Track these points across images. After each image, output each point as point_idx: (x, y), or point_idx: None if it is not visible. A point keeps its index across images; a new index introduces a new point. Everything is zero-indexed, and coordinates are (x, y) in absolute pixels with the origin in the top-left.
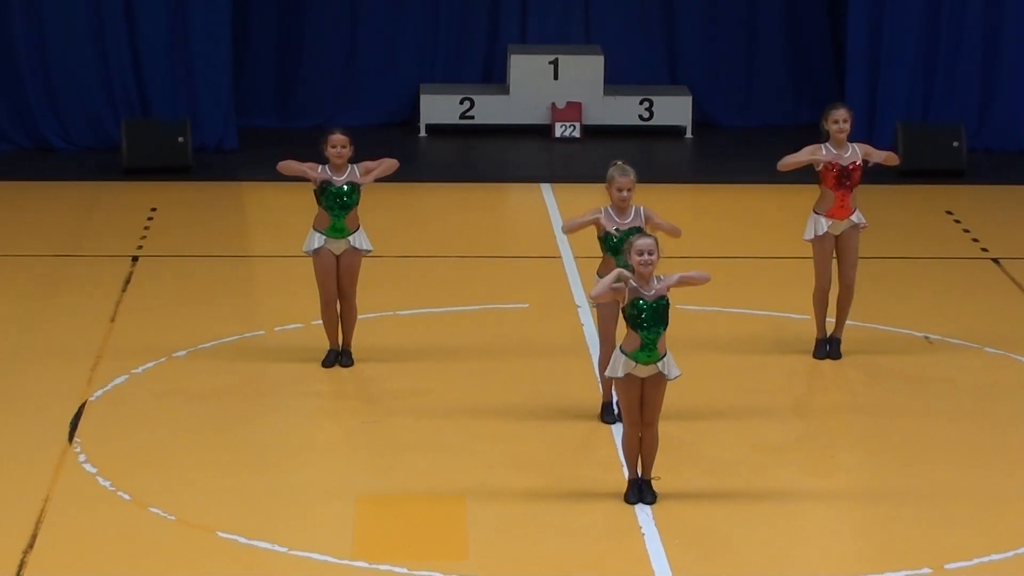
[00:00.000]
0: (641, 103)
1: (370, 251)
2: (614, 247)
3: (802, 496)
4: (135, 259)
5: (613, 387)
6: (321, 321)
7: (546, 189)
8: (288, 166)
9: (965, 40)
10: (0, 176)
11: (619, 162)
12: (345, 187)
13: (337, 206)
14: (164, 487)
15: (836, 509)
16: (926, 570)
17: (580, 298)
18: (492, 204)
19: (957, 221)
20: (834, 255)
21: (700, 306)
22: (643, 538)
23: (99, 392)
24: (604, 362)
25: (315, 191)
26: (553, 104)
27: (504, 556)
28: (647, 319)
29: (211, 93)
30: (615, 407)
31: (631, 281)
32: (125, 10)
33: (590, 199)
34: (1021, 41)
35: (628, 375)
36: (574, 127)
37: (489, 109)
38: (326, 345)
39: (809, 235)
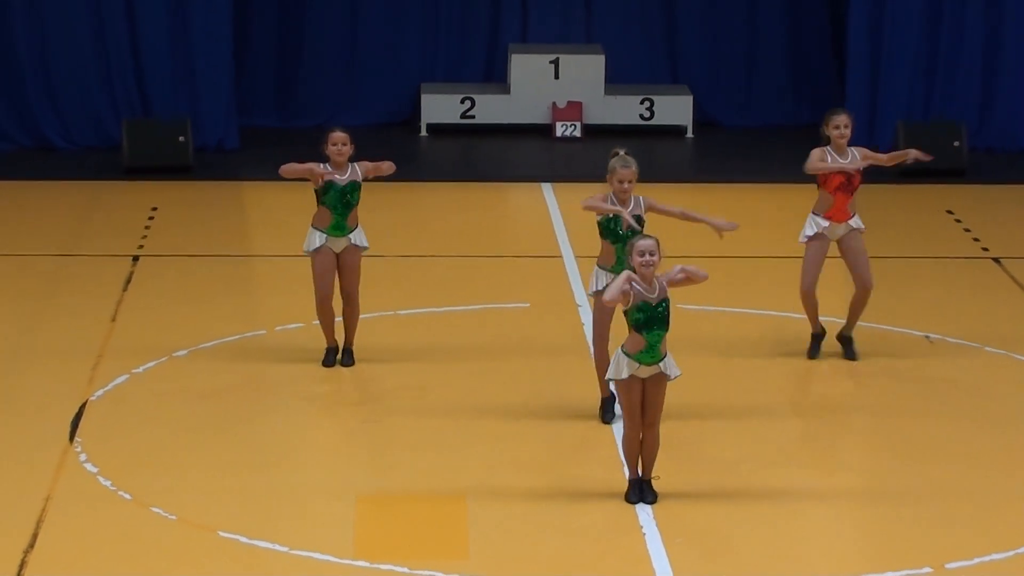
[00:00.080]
0: (642, 103)
1: (367, 248)
2: (614, 234)
3: (803, 495)
4: (136, 259)
5: (615, 388)
6: (322, 325)
7: (547, 188)
8: (290, 169)
9: (966, 39)
10: (1, 175)
11: (621, 152)
12: (348, 185)
13: (340, 204)
14: (165, 487)
15: (837, 508)
16: (927, 569)
17: (581, 297)
18: (493, 204)
19: (958, 220)
20: (823, 260)
21: (700, 306)
22: (644, 537)
23: (100, 392)
24: (601, 359)
25: (316, 190)
26: (554, 103)
27: (505, 555)
28: (651, 322)
29: (212, 93)
30: (615, 408)
31: (635, 284)
32: (126, 10)
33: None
34: (1021, 40)
35: (631, 376)
36: (575, 126)
37: (490, 108)
38: (325, 345)
39: (803, 237)
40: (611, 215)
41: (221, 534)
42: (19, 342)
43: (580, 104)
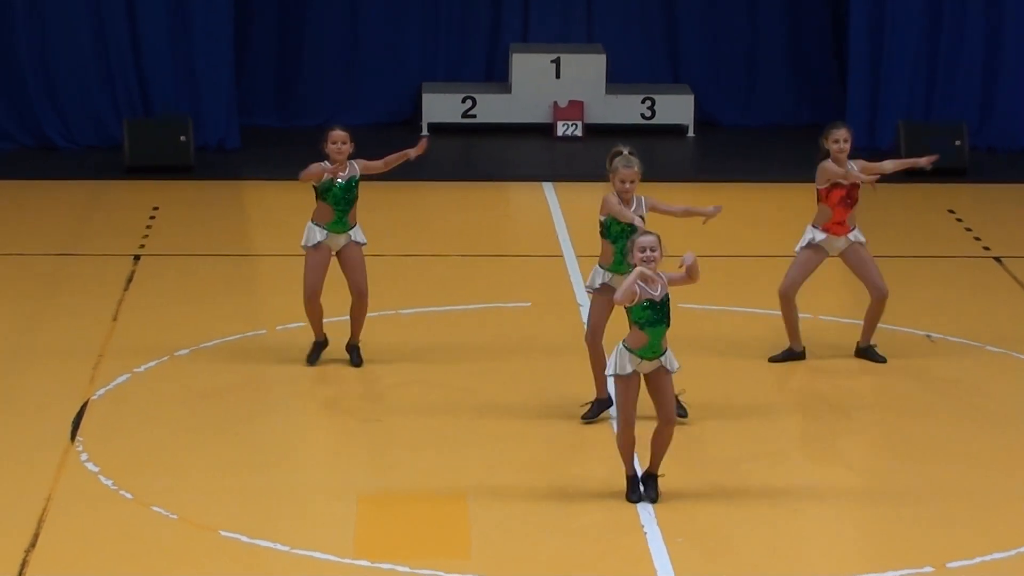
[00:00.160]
0: (643, 102)
1: (366, 243)
2: (615, 233)
3: (803, 495)
4: (137, 258)
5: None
6: (311, 320)
7: (548, 188)
8: (308, 175)
9: (966, 39)
10: (2, 175)
11: (625, 151)
12: (348, 181)
13: (343, 200)
14: (166, 486)
15: (837, 508)
16: (928, 569)
17: (582, 297)
18: (494, 203)
19: (959, 220)
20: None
21: (700, 305)
22: (645, 537)
23: (101, 391)
24: (596, 357)
25: (317, 187)
26: (555, 103)
27: (506, 555)
28: (655, 318)
29: (213, 92)
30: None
31: (640, 282)
32: (127, 9)
33: (592, 198)
34: (1022, 40)
35: (634, 371)
36: (576, 126)
37: (491, 108)
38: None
39: (799, 248)
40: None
41: (222, 533)
42: (20, 342)
43: (581, 103)
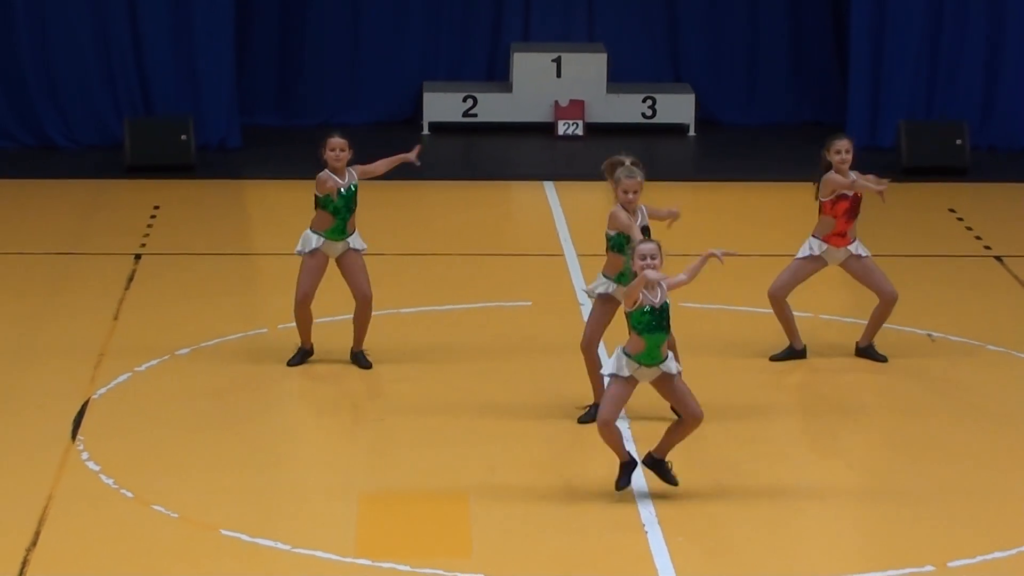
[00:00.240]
0: (644, 101)
1: (365, 249)
2: (623, 245)
3: (805, 494)
4: (138, 257)
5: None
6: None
7: (549, 187)
8: (323, 187)
9: (967, 38)
10: (3, 174)
11: (627, 161)
12: (350, 190)
13: (344, 209)
14: (167, 485)
15: (838, 507)
16: (928, 568)
17: (583, 296)
18: (495, 202)
19: (960, 219)
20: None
21: (701, 304)
22: (646, 536)
23: (102, 390)
24: (593, 364)
25: (319, 196)
26: (556, 102)
27: (507, 554)
28: (653, 325)
29: (214, 91)
30: None
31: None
32: (128, 8)
33: (593, 197)
34: (1023, 39)
35: (631, 376)
36: (577, 125)
37: (492, 107)
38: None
39: (798, 256)
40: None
41: (223, 532)
42: (21, 340)
43: (582, 103)
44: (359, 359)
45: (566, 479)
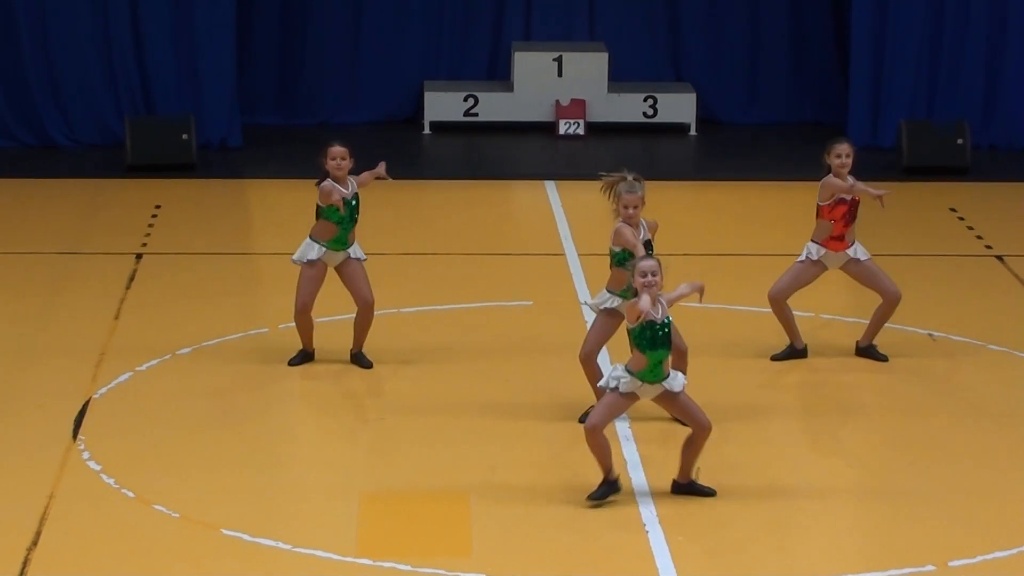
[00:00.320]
0: (645, 100)
1: (365, 259)
2: (627, 261)
3: (805, 493)
4: (139, 256)
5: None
6: (300, 333)
7: (550, 186)
8: (327, 198)
9: (969, 37)
10: (4, 173)
11: (629, 177)
12: (353, 198)
13: (349, 220)
14: (167, 485)
15: (839, 506)
16: (929, 567)
17: (584, 295)
18: (496, 201)
19: (961, 218)
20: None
21: (702, 304)
22: (647, 535)
23: (103, 389)
24: (593, 374)
25: (323, 207)
26: (557, 101)
27: (507, 553)
28: (655, 342)
29: (215, 90)
30: None
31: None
32: (129, 8)
33: (594, 196)
34: None
35: (631, 393)
36: (578, 124)
37: (493, 106)
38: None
39: (799, 259)
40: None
41: (224, 532)
42: (22, 340)
43: (583, 102)
44: (359, 359)
45: (567, 479)
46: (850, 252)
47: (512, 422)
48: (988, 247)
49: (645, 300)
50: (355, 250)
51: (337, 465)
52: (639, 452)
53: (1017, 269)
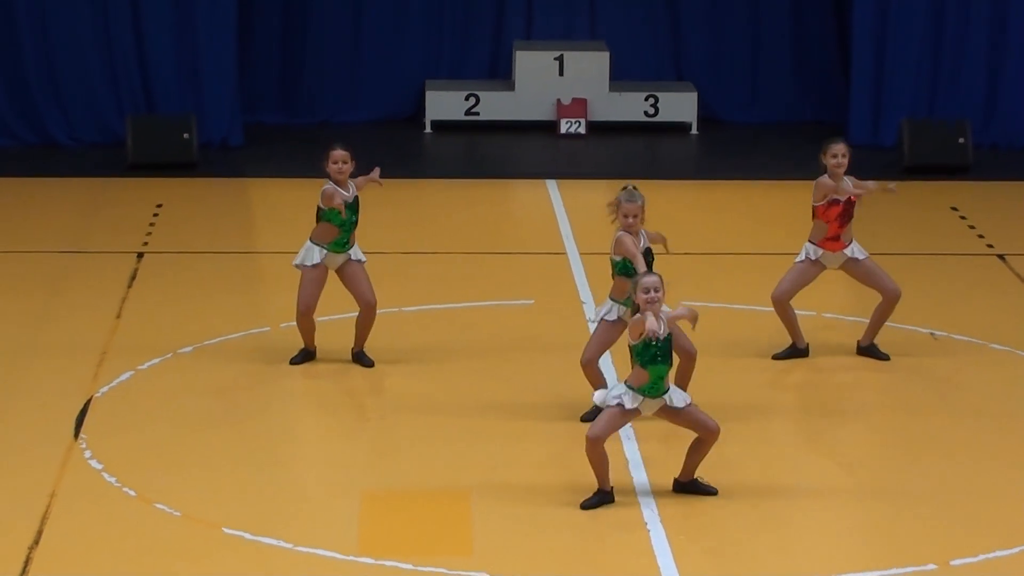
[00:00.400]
0: (646, 99)
1: (365, 261)
2: (629, 271)
3: (807, 492)
4: (140, 255)
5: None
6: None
7: (551, 185)
8: (329, 201)
9: (970, 36)
10: (5, 172)
11: (629, 186)
12: (354, 202)
13: (348, 223)
14: (169, 483)
15: (840, 505)
16: (931, 566)
17: (585, 294)
18: (497, 200)
19: (963, 217)
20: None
21: (703, 302)
22: (648, 534)
23: (105, 388)
24: (594, 376)
25: (324, 209)
26: (559, 100)
27: (509, 552)
28: (656, 357)
29: (216, 89)
30: None
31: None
32: (130, 6)
33: (596, 195)
34: None
35: (634, 409)
36: (579, 123)
37: (494, 105)
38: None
39: (798, 259)
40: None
41: (225, 530)
42: (23, 339)
43: (585, 101)
44: (361, 358)
45: (568, 478)
46: (847, 252)
47: (513, 421)
48: (990, 246)
49: (651, 322)
50: (355, 252)
51: (338, 464)
52: (640, 451)
53: (1019, 268)
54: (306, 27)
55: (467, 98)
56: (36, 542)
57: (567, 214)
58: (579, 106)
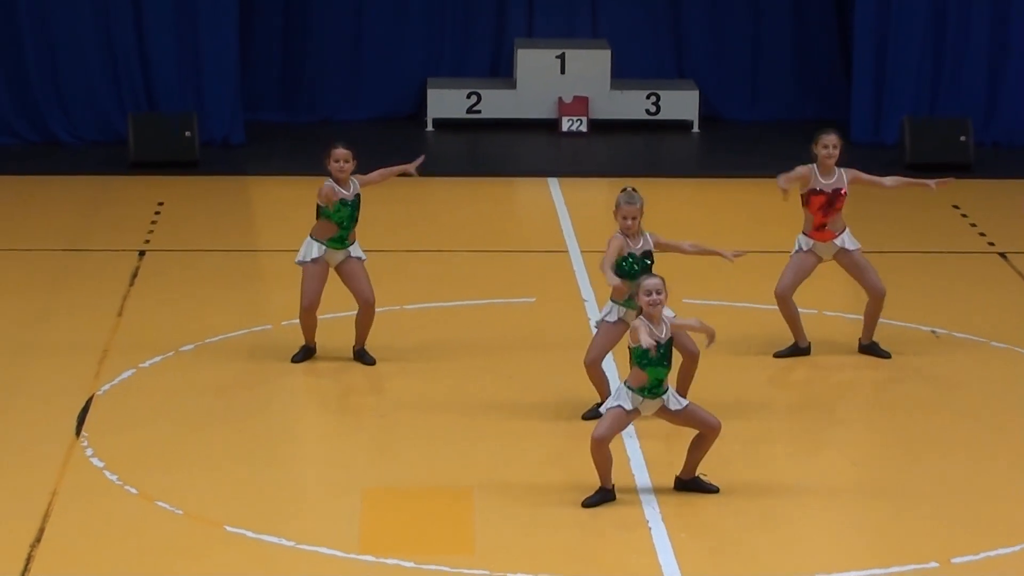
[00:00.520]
0: (648, 97)
1: (365, 259)
2: (628, 271)
3: (808, 491)
4: (142, 253)
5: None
6: (304, 331)
7: (553, 183)
8: (325, 197)
9: (972, 34)
10: (7, 170)
11: (628, 188)
12: (354, 200)
13: (348, 220)
14: (171, 481)
15: (842, 504)
16: (932, 564)
17: (587, 292)
18: (499, 198)
19: (964, 215)
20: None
21: (705, 300)
22: (650, 532)
23: (106, 386)
24: (597, 377)
25: (322, 206)
26: (560, 98)
27: (510, 550)
28: (655, 359)
29: (218, 87)
30: None
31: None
32: (132, 4)
33: (597, 193)
34: None
35: (634, 409)
36: (581, 121)
37: (496, 103)
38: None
39: (793, 250)
40: (625, 254)
41: (227, 528)
42: (25, 337)
43: (586, 99)
44: (362, 356)
45: (569, 476)
46: (838, 241)
47: (515, 419)
48: (991, 244)
49: (645, 339)
50: (355, 249)
51: (340, 462)
52: (642, 449)
53: (1020, 266)
54: (307, 25)
55: (468, 96)
56: (38, 540)
57: (568, 212)
58: (580, 104)
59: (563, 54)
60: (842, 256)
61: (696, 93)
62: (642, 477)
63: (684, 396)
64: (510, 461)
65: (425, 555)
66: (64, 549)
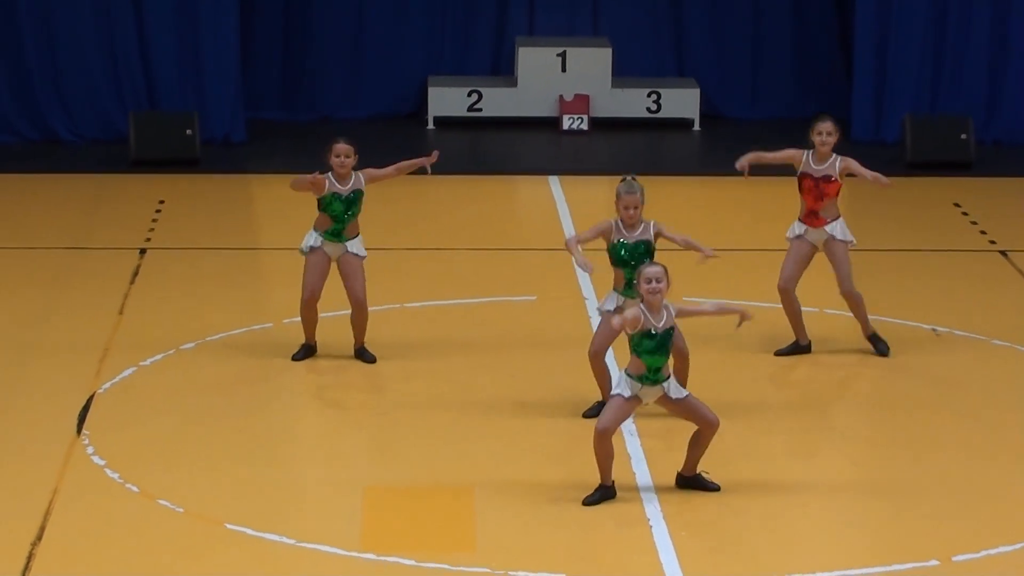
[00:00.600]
0: (649, 95)
1: (365, 256)
2: (621, 259)
3: (809, 489)
4: (143, 252)
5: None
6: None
7: (554, 182)
8: (296, 183)
9: (973, 32)
10: (8, 169)
11: (629, 177)
12: (351, 195)
13: (343, 214)
14: (172, 479)
15: (843, 502)
16: (933, 562)
17: (588, 290)
18: (500, 197)
19: (965, 213)
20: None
21: (706, 298)
22: (650, 530)
23: (107, 384)
24: (600, 370)
25: (319, 198)
26: (561, 96)
27: (511, 548)
28: (652, 347)
29: (219, 85)
30: None
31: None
32: (133, 3)
33: (598, 191)
34: None
35: (634, 396)
36: (582, 120)
37: (497, 101)
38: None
39: (788, 235)
40: (616, 241)
41: (228, 526)
42: (26, 335)
43: (587, 97)
44: (363, 354)
45: (571, 473)
46: (828, 229)
47: (516, 417)
48: (992, 242)
49: (630, 311)
50: (355, 246)
51: (341, 460)
52: (643, 447)
53: (1021, 264)
54: (308, 23)
55: (469, 94)
56: (39, 538)
57: (569, 210)
58: (581, 102)
59: (564, 52)
60: (828, 245)
61: (697, 91)
62: (643, 475)
63: None
64: (511, 459)
65: (426, 553)
66: (65, 547)
